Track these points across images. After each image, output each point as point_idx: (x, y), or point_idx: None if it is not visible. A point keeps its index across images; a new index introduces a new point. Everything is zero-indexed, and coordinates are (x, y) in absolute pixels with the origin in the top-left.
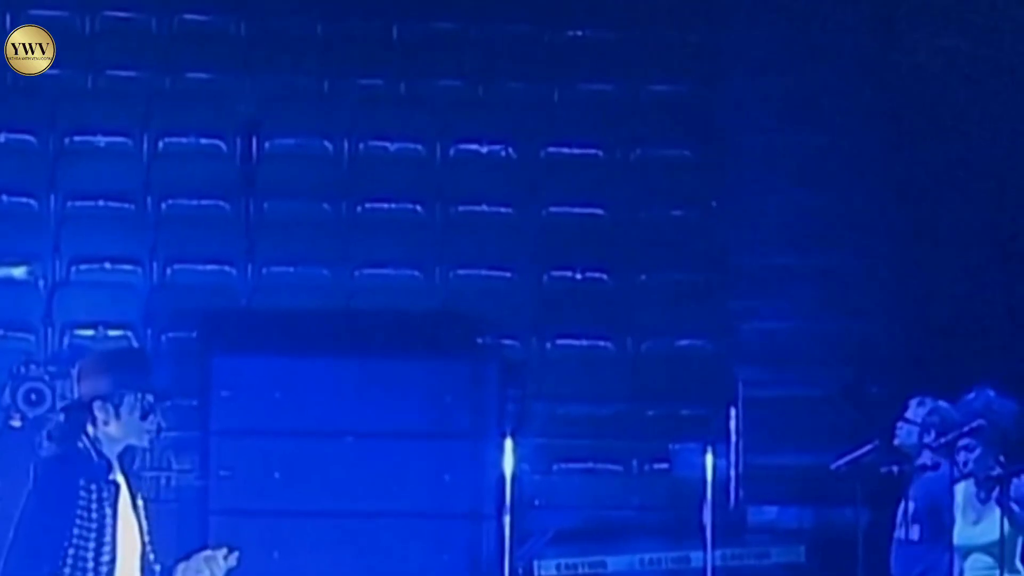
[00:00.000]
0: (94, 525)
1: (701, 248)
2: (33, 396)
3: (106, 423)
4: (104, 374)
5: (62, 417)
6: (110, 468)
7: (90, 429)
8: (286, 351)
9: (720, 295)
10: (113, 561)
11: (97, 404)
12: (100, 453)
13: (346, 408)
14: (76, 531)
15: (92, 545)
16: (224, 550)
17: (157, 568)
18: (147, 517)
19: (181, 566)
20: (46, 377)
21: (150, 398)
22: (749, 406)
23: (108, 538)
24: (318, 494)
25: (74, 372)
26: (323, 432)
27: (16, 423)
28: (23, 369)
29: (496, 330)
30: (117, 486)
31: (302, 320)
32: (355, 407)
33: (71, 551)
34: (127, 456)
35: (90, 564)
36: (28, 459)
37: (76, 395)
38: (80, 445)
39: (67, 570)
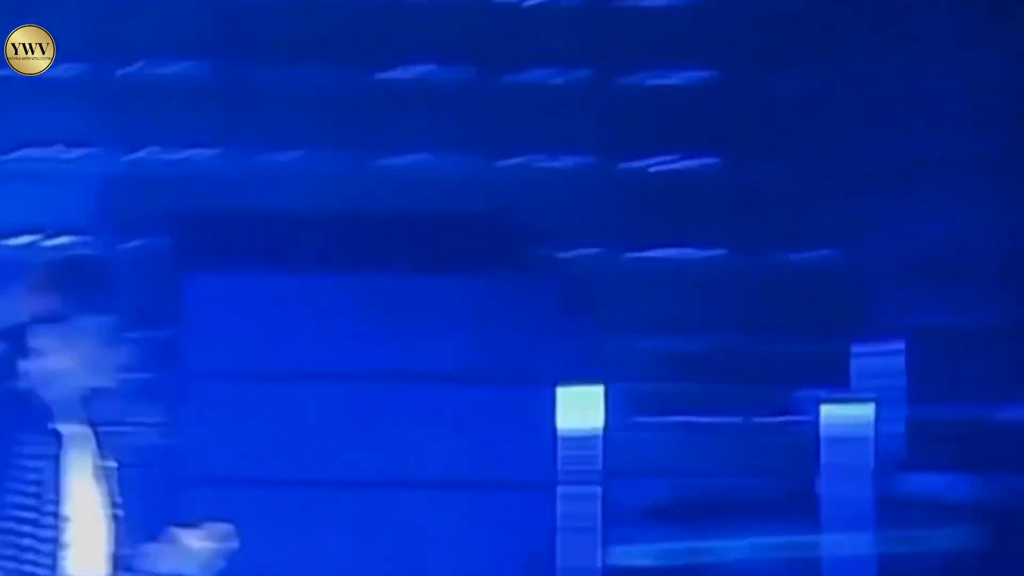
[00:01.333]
0: (32, 492)
1: (826, 126)
2: None
3: (47, 355)
4: (47, 290)
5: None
6: (50, 415)
7: (24, 363)
8: (284, 266)
9: (852, 190)
10: (58, 541)
11: (37, 329)
12: (36, 396)
13: (361, 343)
14: (14, 498)
15: (30, 520)
16: (207, 530)
17: (124, 550)
18: (116, 484)
19: (152, 549)
20: None
21: (111, 319)
22: (894, 339)
23: (52, 509)
24: (326, 458)
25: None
26: (332, 374)
27: None
28: None
29: (556, 238)
30: (59, 438)
31: (304, 225)
32: (373, 342)
33: (5, 521)
34: (85, 403)
35: (27, 550)
36: None
37: (8, 320)
38: (16, 386)
39: None
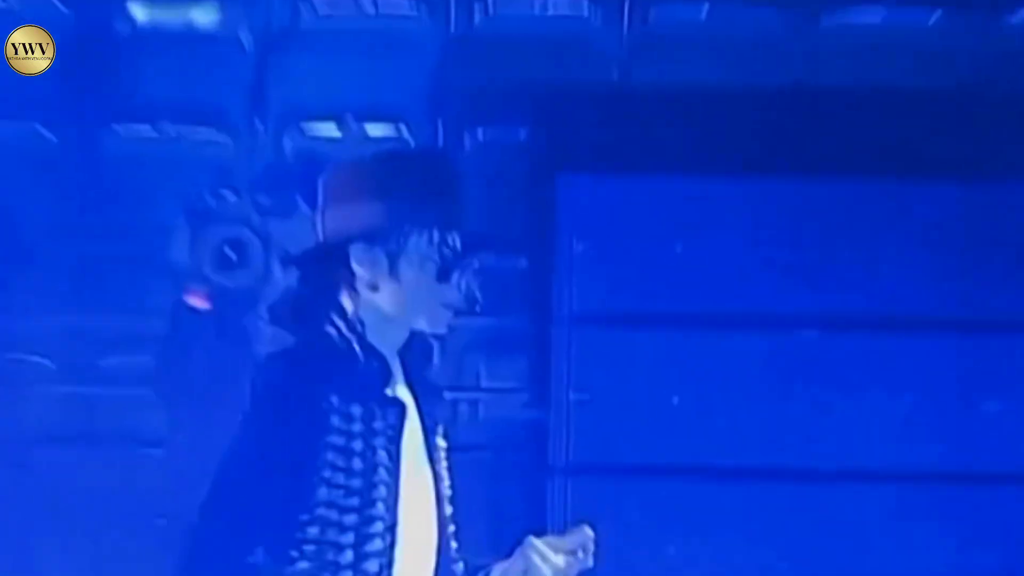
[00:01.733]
0: (357, 481)
1: None
2: (230, 251)
3: (375, 288)
4: (369, 197)
5: (292, 282)
6: (388, 375)
7: (346, 301)
8: (689, 167)
9: None
10: (391, 548)
11: (358, 253)
12: (367, 347)
13: (789, 277)
14: (324, 491)
15: (352, 517)
16: (576, 536)
17: (459, 569)
18: (450, 472)
19: (500, 568)
20: (253, 215)
21: (455, 239)
22: None
23: (382, 505)
24: (744, 438)
25: (309, 204)
26: (751, 318)
27: (200, 301)
28: (212, 201)
29: None
30: (402, 409)
31: (714, 105)
32: (806, 275)
33: (313, 528)
34: (413, 356)
35: (347, 552)
36: (231, 364)
37: (317, 241)
38: (330, 331)
39: (304, 561)
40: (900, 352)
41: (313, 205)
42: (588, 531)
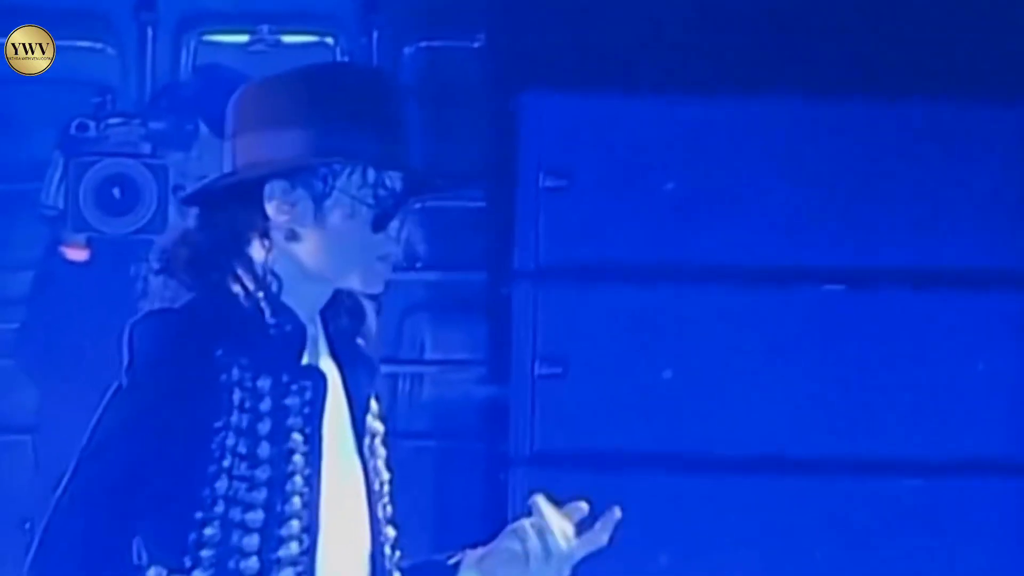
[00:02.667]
0: (265, 471)
1: None
2: (116, 189)
3: (294, 237)
4: (288, 124)
5: (191, 225)
6: (303, 341)
7: (256, 250)
8: (684, 81)
9: None
10: (309, 554)
11: (274, 192)
12: (280, 307)
13: (815, 220)
14: (223, 484)
15: (259, 516)
16: (555, 518)
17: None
18: (388, 463)
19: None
20: (144, 145)
21: (394, 179)
22: None
23: (298, 500)
24: (751, 421)
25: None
26: (765, 272)
27: (76, 251)
28: (93, 129)
29: None
30: (322, 382)
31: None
32: (840, 216)
33: (210, 528)
34: (339, 318)
35: (252, 559)
36: (115, 330)
37: (223, 176)
38: (233, 288)
39: (199, 570)
40: (943, 312)
41: (219, 132)
42: (578, 509)
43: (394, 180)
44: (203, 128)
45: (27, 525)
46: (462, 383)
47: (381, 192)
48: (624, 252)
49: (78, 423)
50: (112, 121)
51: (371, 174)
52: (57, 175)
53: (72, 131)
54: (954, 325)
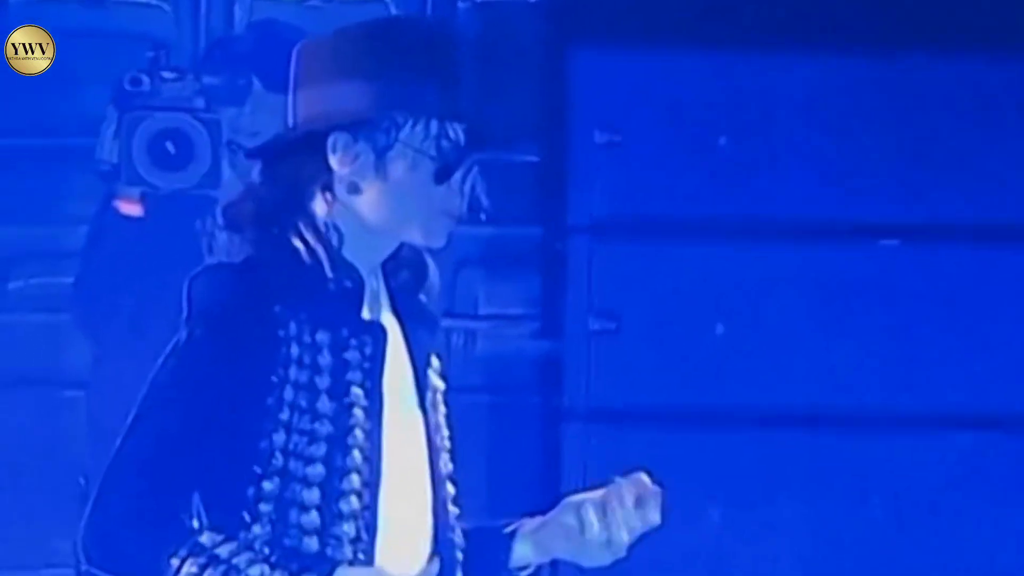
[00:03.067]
0: (325, 426)
1: None
2: (170, 144)
3: (356, 190)
4: (351, 77)
5: (255, 179)
6: (363, 295)
7: (318, 205)
8: (742, 37)
9: None
10: (370, 508)
11: (337, 146)
12: (340, 261)
13: (875, 175)
14: (282, 438)
15: (319, 470)
16: (623, 491)
17: (457, 534)
18: (449, 420)
19: (535, 522)
20: (198, 100)
21: (458, 130)
22: None
23: (359, 455)
24: (804, 376)
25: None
26: (821, 227)
27: (130, 206)
28: (147, 84)
29: None
30: (382, 337)
31: None
32: (901, 172)
33: (269, 483)
34: (400, 273)
35: (312, 513)
36: (170, 285)
37: (286, 130)
38: (295, 242)
39: (258, 525)
40: (998, 267)
41: (272, 88)
42: (647, 480)
43: (457, 132)
44: (256, 83)
45: (81, 480)
46: (516, 338)
47: (444, 144)
48: (677, 207)
49: (132, 378)
50: (166, 76)
51: (434, 126)
52: (111, 130)
53: (126, 86)
54: (1009, 280)
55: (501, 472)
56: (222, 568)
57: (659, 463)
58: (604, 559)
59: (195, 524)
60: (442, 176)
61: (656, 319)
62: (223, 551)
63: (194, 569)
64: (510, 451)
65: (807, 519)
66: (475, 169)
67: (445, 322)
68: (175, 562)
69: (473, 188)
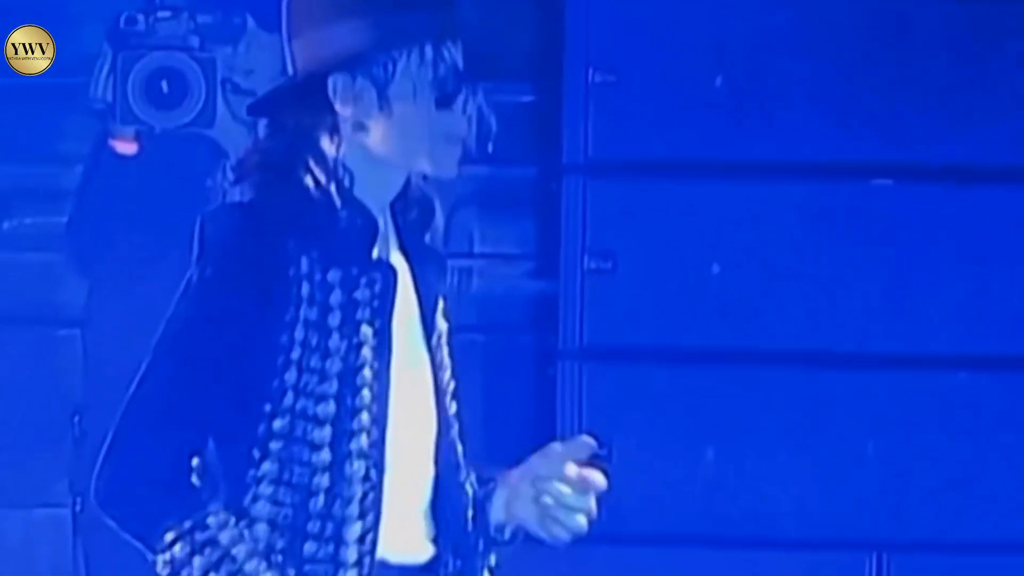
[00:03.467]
0: (336, 364)
1: None
2: (164, 83)
3: (362, 128)
4: (344, 15)
5: (260, 134)
6: (374, 233)
7: (326, 147)
8: None
9: None
10: (379, 445)
11: (338, 86)
12: (351, 200)
13: (872, 114)
14: (293, 375)
15: (330, 407)
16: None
17: (466, 478)
18: (452, 359)
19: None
20: (193, 38)
21: (454, 52)
22: None
23: (368, 394)
24: (801, 315)
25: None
26: (819, 166)
27: (127, 146)
28: (142, 22)
29: None
30: (392, 277)
31: None
32: (899, 113)
33: (280, 420)
34: (408, 211)
35: (324, 451)
36: (164, 223)
37: (285, 78)
38: (304, 180)
39: (268, 462)
40: (991, 206)
41: (266, 26)
42: (590, 441)
43: (453, 54)
44: (251, 22)
45: (76, 418)
46: (511, 277)
47: (441, 68)
48: (672, 147)
49: (127, 316)
50: (161, 15)
51: (428, 52)
52: (106, 68)
53: (121, 24)
54: (1002, 219)
55: (496, 411)
56: (218, 553)
57: (654, 402)
58: (563, 536)
59: (195, 480)
60: (444, 101)
61: (651, 258)
62: (224, 537)
63: (187, 548)
64: (505, 390)
65: (802, 458)
66: (479, 93)
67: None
68: (170, 536)
69: (480, 112)
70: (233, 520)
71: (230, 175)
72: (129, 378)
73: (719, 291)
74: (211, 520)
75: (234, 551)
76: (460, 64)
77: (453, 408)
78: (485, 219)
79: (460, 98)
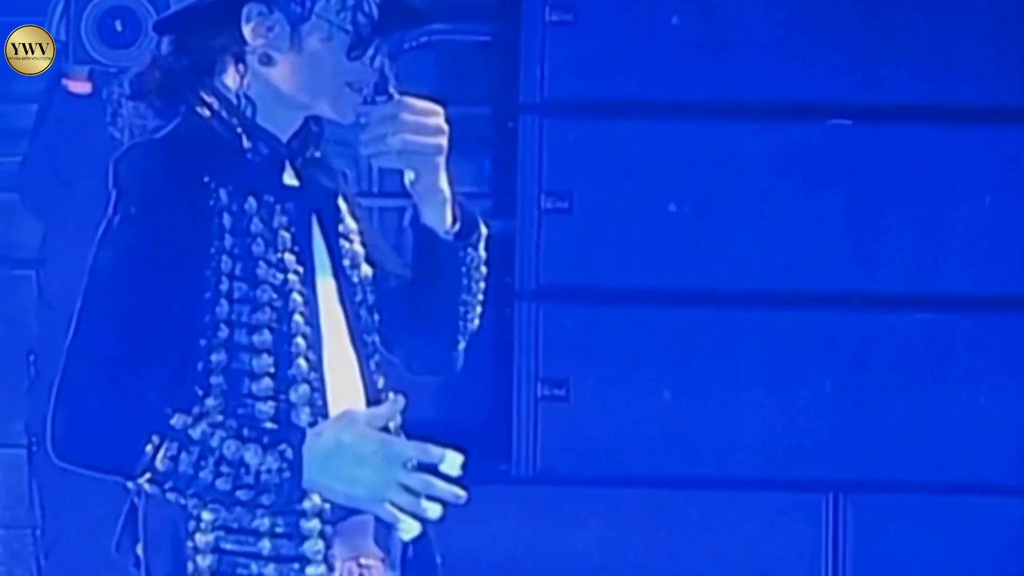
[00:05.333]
0: (266, 292)
1: None
2: (118, 20)
3: (268, 60)
4: None
5: (165, 50)
6: (283, 161)
7: (230, 75)
8: None
9: None
10: (317, 370)
11: (253, 16)
12: (257, 129)
13: (829, 55)
14: (224, 308)
15: (265, 337)
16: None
17: (396, 402)
18: (367, 258)
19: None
20: None
21: (372, 5)
22: None
23: (301, 318)
24: (758, 255)
25: None
26: (776, 107)
27: (79, 83)
28: None
29: None
30: (308, 201)
31: None
32: (856, 54)
33: (217, 355)
34: (304, 148)
35: (264, 380)
36: (111, 157)
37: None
38: (206, 114)
39: (211, 397)
40: (950, 145)
41: None
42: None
43: (372, 6)
44: None
45: (31, 357)
46: None
47: (360, 18)
48: (629, 87)
49: (81, 257)
50: None
51: None
52: (59, 8)
53: None
54: (961, 159)
55: None
56: (196, 449)
57: (610, 342)
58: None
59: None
60: (355, 50)
61: (608, 198)
62: (195, 432)
63: (172, 452)
64: None
65: (759, 398)
66: (384, 47)
67: (394, 200)
68: (149, 449)
69: (382, 66)
70: (191, 418)
71: (126, 88)
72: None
73: (676, 231)
74: (175, 422)
75: (211, 442)
76: (376, 16)
77: (376, 318)
78: None
79: (371, 49)
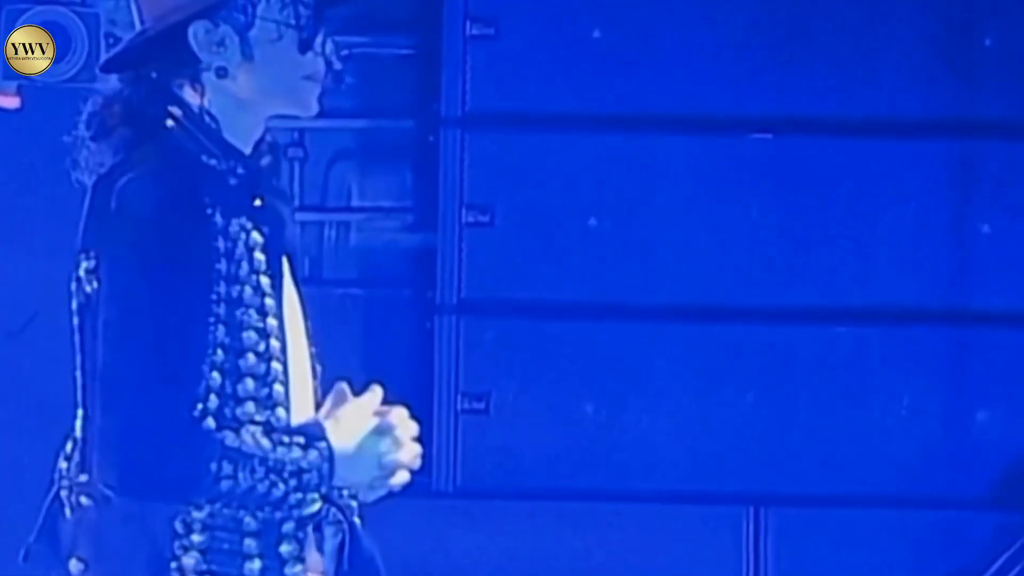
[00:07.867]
0: (251, 316)
1: None
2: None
3: (223, 73)
4: None
5: (117, 85)
6: (257, 182)
7: (189, 95)
8: None
9: None
10: (286, 381)
11: (200, 34)
12: (225, 146)
13: (747, 66)
14: (221, 331)
15: (251, 360)
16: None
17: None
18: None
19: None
20: None
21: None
22: None
23: (276, 342)
24: (681, 269)
25: None
26: (692, 121)
27: (7, 98)
28: None
29: None
30: (278, 221)
31: None
32: (776, 67)
33: (216, 375)
34: (261, 157)
35: (248, 404)
36: (47, 175)
37: (136, 33)
38: (174, 137)
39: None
40: (871, 160)
41: None
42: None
43: None
44: None
45: None
46: (389, 231)
47: (301, 9)
48: (551, 100)
49: (11, 271)
50: None
51: None
52: None
53: None
54: (882, 173)
55: (375, 364)
56: (250, 463)
57: (531, 356)
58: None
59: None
60: (306, 44)
61: (529, 212)
62: (246, 445)
63: (228, 472)
64: (384, 343)
65: (681, 411)
66: (329, 31)
67: (318, 215)
68: (213, 468)
69: (326, 51)
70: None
71: (85, 130)
72: (3, 330)
73: (597, 245)
74: (229, 441)
75: (243, 447)
76: (315, 4)
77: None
78: (363, 173)
79: (318, 39)
